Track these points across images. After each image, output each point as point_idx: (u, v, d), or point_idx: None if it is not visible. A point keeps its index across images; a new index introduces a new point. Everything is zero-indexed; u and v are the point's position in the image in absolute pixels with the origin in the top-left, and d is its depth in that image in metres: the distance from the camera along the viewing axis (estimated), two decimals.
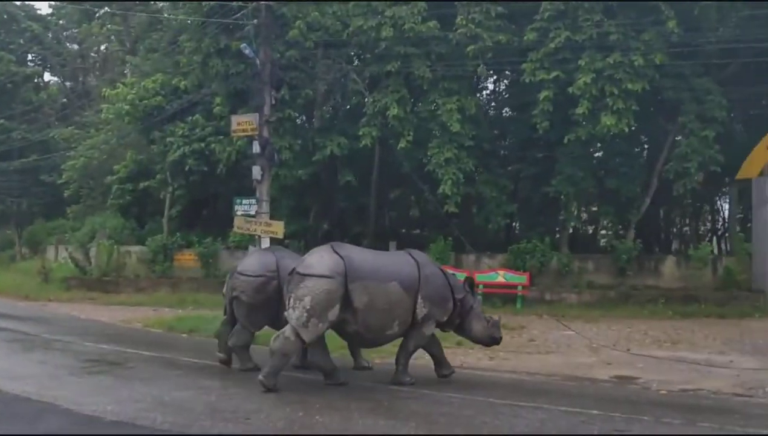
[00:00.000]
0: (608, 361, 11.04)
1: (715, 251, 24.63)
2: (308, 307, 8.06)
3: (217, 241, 22.48)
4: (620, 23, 17.90)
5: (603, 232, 27.09)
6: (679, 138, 19.75)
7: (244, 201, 15.65)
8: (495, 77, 23.94)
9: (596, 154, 21.63)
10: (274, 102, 15.54)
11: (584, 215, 26.51)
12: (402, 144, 19.37)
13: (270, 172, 15.79)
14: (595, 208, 25.39)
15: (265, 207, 15.28)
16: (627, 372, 10.12)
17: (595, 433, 6.66)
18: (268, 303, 9.37)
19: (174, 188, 24.26)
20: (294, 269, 8.43)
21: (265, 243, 14.91)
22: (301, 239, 21.52)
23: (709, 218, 28.92)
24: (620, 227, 22.29)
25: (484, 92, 25.42)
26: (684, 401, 8.34)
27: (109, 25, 36.07)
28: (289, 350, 8.27)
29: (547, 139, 19.84)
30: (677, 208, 26.95)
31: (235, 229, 16.47)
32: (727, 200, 24.95)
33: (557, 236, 22.04)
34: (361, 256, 8.61)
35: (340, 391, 8.35)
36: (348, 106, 22.84)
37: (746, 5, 17.73)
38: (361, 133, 19.78)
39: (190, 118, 22.98)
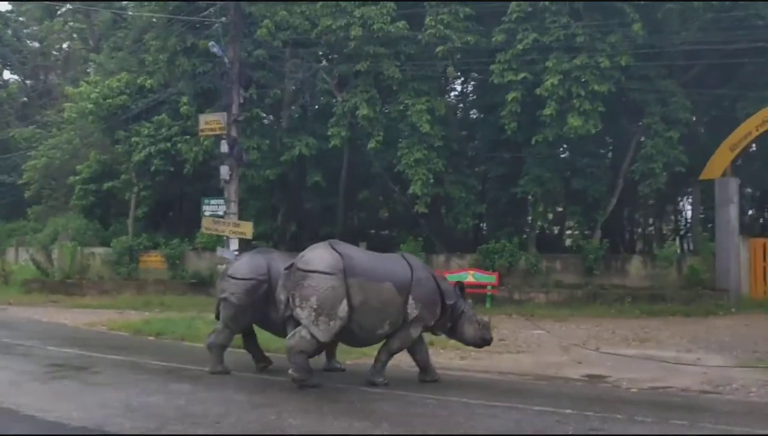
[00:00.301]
0: (578, 360, 11.10)
1: (678, 250, 25.08)
2: (315, 306, 8.12)
3: (183, 242, 22.17)
4: (587, 25, 18.11)
5: (568, 232, 27.39)
6: (643, 139, 20.05)
7: (212, 201, 15.45)
8: (463, 78, 24.05)
9: (563, 155, 21.86)
10: (242, 101, 15.36)
11: (550, 215, 26.80)
12: (372, 144, 19.35)
13: (238, 172, 15.57)
14: (560, 209, 25.68)
15: (234, 207, 15.10)
16: (597, 371, 10.18)
17: (571, 432, 6.66)
18: (255, 305, 9.32)
19: (139, 189, 23.87)
20: (293, 264, 8.44)
21: (234, 244, 14.72)
22: (269, 240, 21.33)
23: (672, 218, 29.45)
24: (587, 227, 22.55)
25: (453, 93, 25.54)
26: (655, 398, 8.42)
27: (71, 23, 35.36)
28: (304, 348, 8.26)
29: (515, 140, 19.97)
30: (641, 208, 27.40)
31: (203, 229, 16.26)
32: (689, 201, 25.43)
33: (525, 236, 22.21)
34: (358, 254, 8.71)
35: (313, 393, 8.24)
36: (317, 106, 22.74)
37: (708, 9, 18.06)
38: (330, 133, 19.69)
39: (156, 117, 22.61)
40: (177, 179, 23.03)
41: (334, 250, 8.47)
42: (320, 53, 22.06)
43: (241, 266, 9.57)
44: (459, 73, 21.94)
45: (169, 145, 22.05)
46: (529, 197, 20.50)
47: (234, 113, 15.10)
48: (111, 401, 7.67)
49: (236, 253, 14.72)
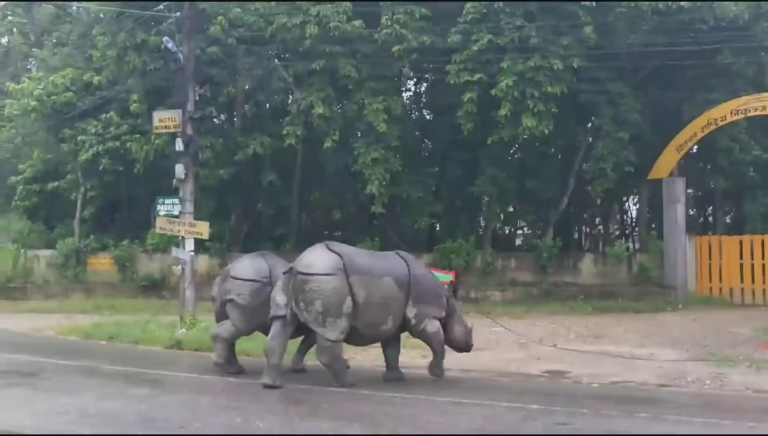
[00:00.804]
0: (537, 356, 11.23)
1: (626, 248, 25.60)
2: (321, 309, 8.19)
3: (134, 243, 21.58)
4: (540, 27, 18.36)
5: (520, 231, 27.77)
6: (592, 140, 20.42)
7: (167, 201, 15.01)
8: (418, 79, 24.08)
9: (516, 156, 22.10)
10: (197, 98, 15.02)
11: (502, 216, 27.06)
12: (328, 143, 19.20)
13: (193, 170, 15.21)
14: (511, 209, 25.97)
15: (189, 207, 14.72)
16: (557, 367, 10.31)
17: (539, 427, 6.72)
18: (261, 307, 9.16)
19: (86, 189, 23.07)
20: (292, 268, 8.46)
21: (189, 244, 14.40)
22: (222, 241, 20.96)
23: (619, 217, 30.12)
24: (538, 226, 22.88)
25: (408, 93, 25.53)
26: (616, 393, 8.58)
27: (10, 17, 34.07)
28: (335, 353, 8.46)
29: (471, 141, 20.11)
30: (590, 208, 27.94)
31: (157, 229, 15.82)
32: (635, 200, 26.06)
33: (479, 235, 22.38)
34: (356, 253, 8.89)
35: (277, 394, 8.12)
36: (270, 105, 22.43)
37: (655, 13, 18.54)
38: (285, 132, 19.47)
39: (104, 115, 21.86)
40: (126, 179, 22.38)
41: (332, 250, 8.56)
42: (274, 52, 21.78)
43: (245, 268, 9.57)
44: (412, 74, 21.94)
45: (118, 144, 21.36)
46: (485, 197, 20.64)
47: (189, 111, 14.72)
48: (66, 408, 7.40)
49: (192, 253, 14.43)
